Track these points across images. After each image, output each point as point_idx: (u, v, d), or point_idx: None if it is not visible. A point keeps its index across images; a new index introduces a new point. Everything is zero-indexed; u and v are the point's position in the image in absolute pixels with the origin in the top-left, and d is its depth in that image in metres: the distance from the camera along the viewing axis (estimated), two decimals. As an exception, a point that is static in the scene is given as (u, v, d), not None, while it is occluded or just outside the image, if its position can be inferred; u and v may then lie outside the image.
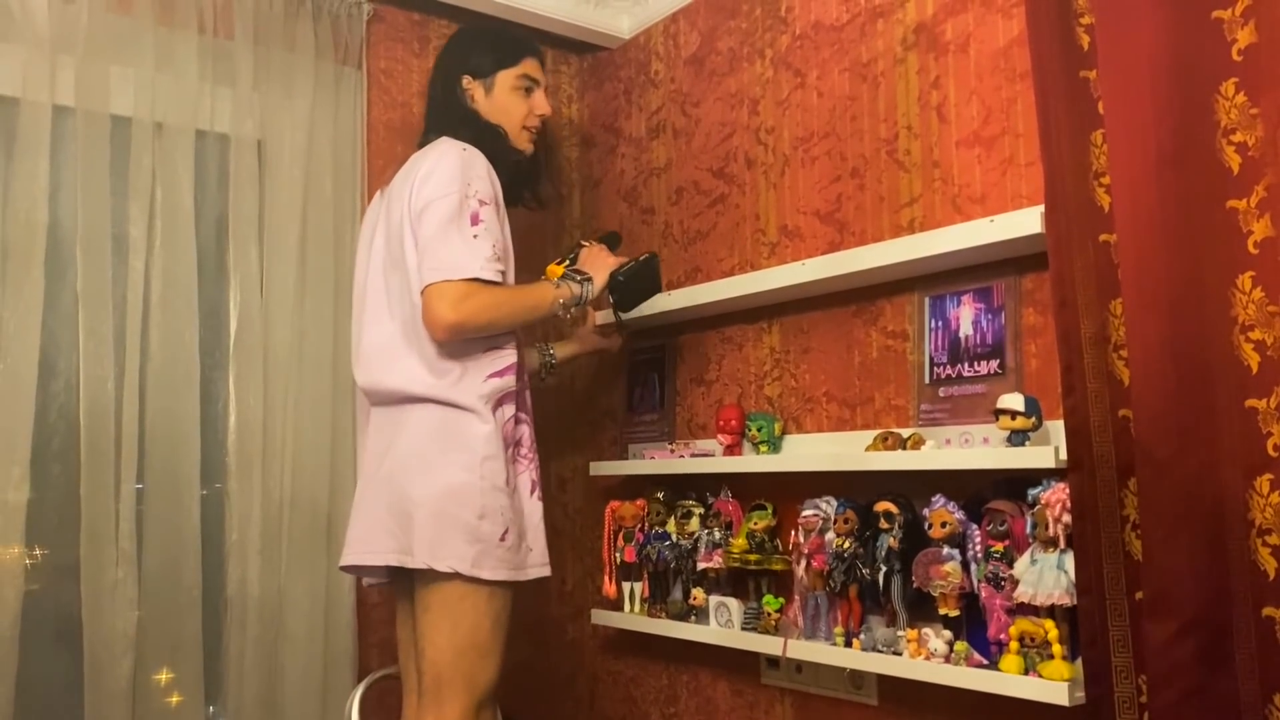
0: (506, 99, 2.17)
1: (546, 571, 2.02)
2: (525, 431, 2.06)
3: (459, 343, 1.95)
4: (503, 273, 1.96)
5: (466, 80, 2.17)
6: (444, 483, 1.91)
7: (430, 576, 1.90)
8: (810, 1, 2.32)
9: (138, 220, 2.23)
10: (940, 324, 1.99)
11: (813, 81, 2.30)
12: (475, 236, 1.93)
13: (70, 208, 2.18)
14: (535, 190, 2.29)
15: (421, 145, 2.14)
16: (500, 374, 1.99)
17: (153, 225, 2.25)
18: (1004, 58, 1.92)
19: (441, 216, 1.93)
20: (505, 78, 2.17)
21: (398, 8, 2.65)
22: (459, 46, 2.24)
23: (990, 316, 1.91)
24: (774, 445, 2.25)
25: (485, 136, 2.10)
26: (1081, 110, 1.62)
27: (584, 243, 2.29)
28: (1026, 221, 1.73)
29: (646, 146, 2.78)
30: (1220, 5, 1.44)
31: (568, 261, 2.23)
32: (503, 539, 1.91)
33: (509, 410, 2.01)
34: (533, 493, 2.03)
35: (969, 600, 1.79)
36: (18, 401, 2.07)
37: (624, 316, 2.36)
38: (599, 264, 2.20)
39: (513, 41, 2.24)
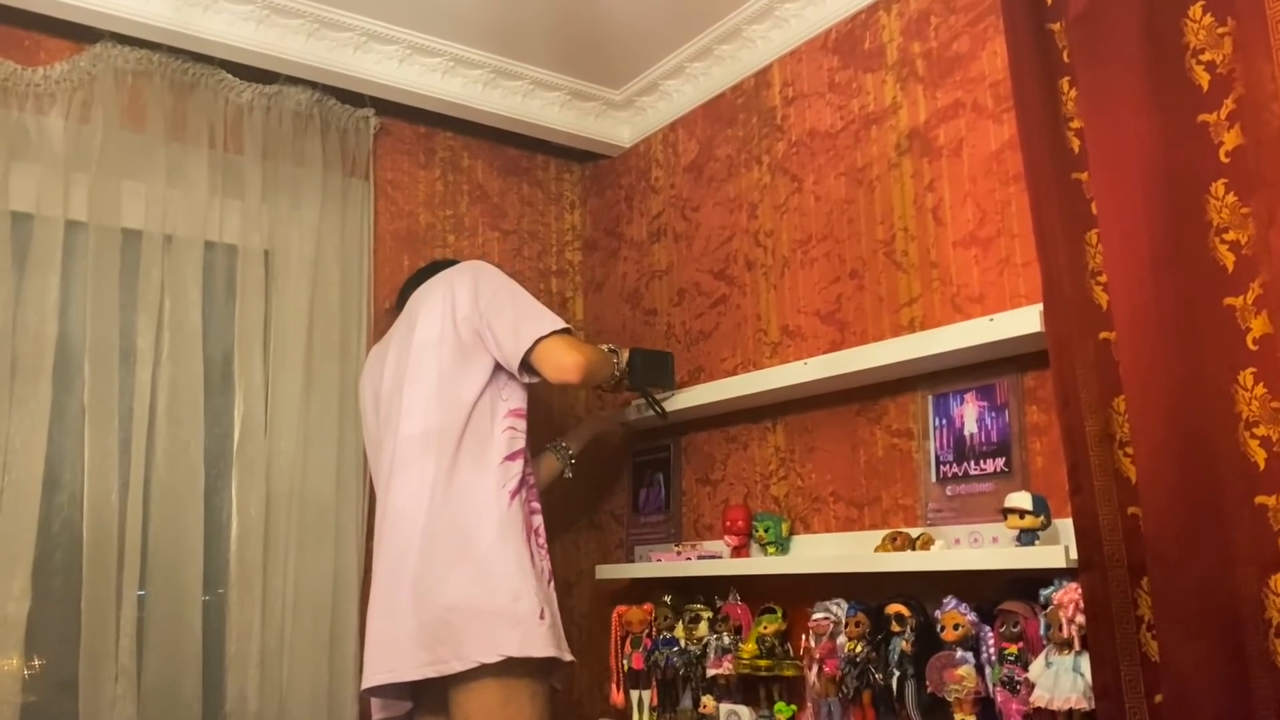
0: None
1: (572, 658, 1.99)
2: (540, 522, 2.09)
3: (470, 439, 2.02)
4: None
5: None
6: (473, 576, 1.92)
7: (471, 685, 1.88)
8: (805, 110, 2.38)
9: (145, 332, 2.24)
10: (945, 422, 1.99)
11: (810, 186, 2.35)
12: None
13: (80, 321, 2.20)
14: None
15: None
16: (512, 457, 2.04)
17: (160, 336, 2.26)
18: (996, 161, 1.96)
19: (504, 300, 2.09)
20: None
21: (404, 121, 2.71)
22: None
23: (994, 414, 1.91)
24: (782, 546, 2.23)
25: None
26: (1075, 211, 1.64)
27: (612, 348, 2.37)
28: (1026, 320, 1.74)
29: (648, 250, 2.82)
30: (1206, 109, 1.47)
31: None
32: (541, 617, 1.92)
33: (526, 496, 2.06)
34: (549, 582, 2.04)
35: (984, 705, 1.75)
36: (21, 515, 2.06)
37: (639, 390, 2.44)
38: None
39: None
